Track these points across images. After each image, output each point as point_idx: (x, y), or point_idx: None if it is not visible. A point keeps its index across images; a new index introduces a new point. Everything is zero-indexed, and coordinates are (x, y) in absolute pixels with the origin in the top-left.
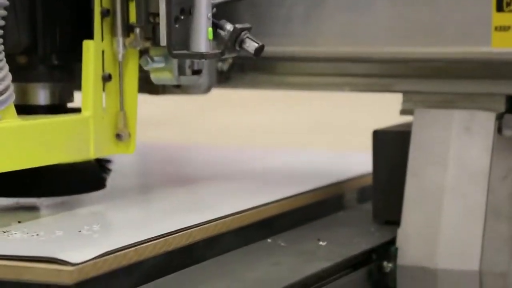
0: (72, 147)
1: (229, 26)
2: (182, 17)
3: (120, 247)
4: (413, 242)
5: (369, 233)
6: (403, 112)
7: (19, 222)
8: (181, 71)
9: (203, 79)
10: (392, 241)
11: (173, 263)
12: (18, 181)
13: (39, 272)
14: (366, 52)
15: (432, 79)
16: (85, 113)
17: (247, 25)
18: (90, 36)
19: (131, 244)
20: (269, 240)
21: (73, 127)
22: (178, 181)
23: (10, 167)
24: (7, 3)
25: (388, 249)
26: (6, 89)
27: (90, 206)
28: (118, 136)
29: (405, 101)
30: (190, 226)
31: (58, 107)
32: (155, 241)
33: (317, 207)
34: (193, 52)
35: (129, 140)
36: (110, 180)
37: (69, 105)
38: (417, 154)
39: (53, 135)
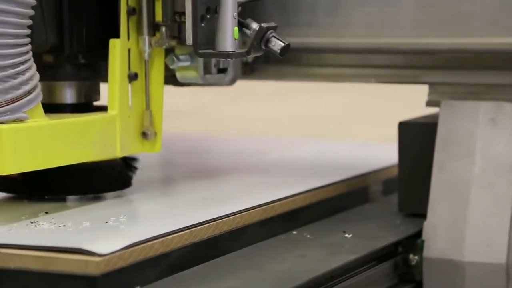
0: (99, 146)
1: (255, 25)
2: (208, 16)
3: (147, 238)
4: (440, 235)
5: (395, 225)
6: (429, 103)
7: (46, 213)
8: (206, 70)
9: (228, 70)
10: (418, 234)
11: (199, 254)
12: (45, 180)
13: (66, 263)
14: (392, 43)
15: (459, 70)
16: (111, 112)
17: (272, 23)
18: (116, 35)
19: (157, 235)
20: (294, 232)
21: (100, 126)
22: (203, 172)
23: (38, 166)
24: (35, 2)
25: (414, 242)
26: (34, 88)
27: (117, 197)
28: (144, 135)
29: (431, 92)
30: (215, 218)
31: (85, 105)
32: (181, 233)
33: (342, 199)
34: (219, 51)
35: (155, 138)
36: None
37: (95, 103)
38: (443, 146)
39: (80, 134)
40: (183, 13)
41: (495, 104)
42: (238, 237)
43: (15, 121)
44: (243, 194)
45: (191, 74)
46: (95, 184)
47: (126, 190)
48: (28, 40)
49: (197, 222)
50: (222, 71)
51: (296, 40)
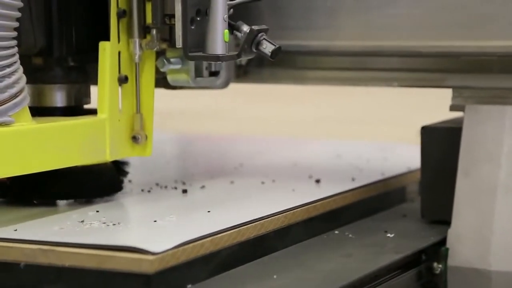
0: (88, 150)
1: (245, 28)
2: (198, 19)
3: (197, 237)
4: (465, 243)
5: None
6: (453, 108)
7: (97, 211)
8: (198, 73)
9: (221, 73)
10: (442, 242)
11: (246, 253)
12: (33, 184)
13: (121, 261)
14: (415, 46)
15: (484, 73)
16: (101, 115)
17: (263, 26)
18: (106, 38)
19: (207, 234)
20: (336, 232)
21: (89, 130)
22: (244, 173)
23: (24, 171)
24: (21, 4)
25: (438, 250)
26: (20, 92)
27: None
28: (135, 139)
29: (455, 96)
30: (261, 217)
31: (74, 108)
32: (229, 232)
33: (379, 200)
34: (209, 54)
35: (146, 142)
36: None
37: (86, 106)
38: (468, 152)
39: (68, 137)
40: (173, 16)
41: None
42: (283, 236)
43: (0, 125)
44: (286, 194)
45: (182, 77)
46: (84, 188)
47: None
48: (14, 42)
49: (244, 221)
50: (214, 74)
51: (290, 43)
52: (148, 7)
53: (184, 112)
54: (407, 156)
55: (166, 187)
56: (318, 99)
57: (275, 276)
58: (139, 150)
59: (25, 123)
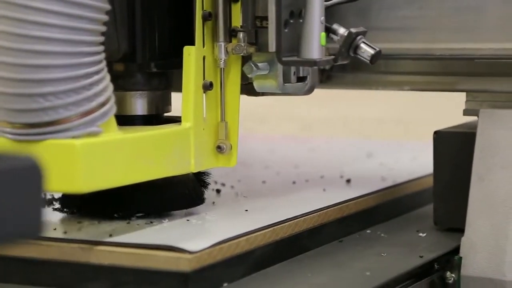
0: (173, 161)
1: (342, 31)
2: (291, 21)
3: (233, 236)
4: (479, 252)
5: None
6: (467, 112)
7: None
8: (286, 79)
9: (308, 78)
10: (456, 250)
11: (280, 252)
12: (114, 197)
13: (159, 260)
14: (428, 49)
15: (498, 77)
16: (185, 124)
17: (361, 28)
18: (189, 42)
19: (242, 233)
20: (368, 231)
21: (174, 140)
22: (271, 173)
23: (112, 184)
24: (109, 7)
25: (451, 259)
26: (108, 100)
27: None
28: (219, 148)
29: (469, 100)
30: (295, 217)
31: (155, 117)
32: (264, 231)
33: (410, 199)
34: (304, 59)
35: (231, 152)
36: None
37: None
38: (482, 157)
39: (155, 148)
40: (265, 18)
41: None
42: (316, 235)
43: (88, 135)
44: (318, 193)
45: (269, 83)
46: (166, 201)
47: None
48: (102, 48)
49: (278, 220)
50: (301, 79)
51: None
52: (235, 9)
53: None
54: None
55: None
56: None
57: (309, 275)
58: (224, 160)
59: (113, 133)
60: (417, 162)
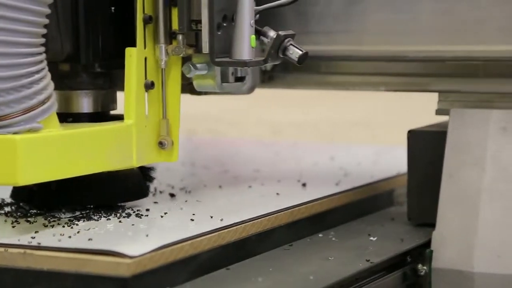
0: (115, 156)
1: (272, 33)
2: (224, 24)
3: (177, 241)
4: (449, 245)
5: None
6: (439, 112)
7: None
8: (224, 78)
9: (247, 79)
10: (427, 244)
11: (227, 256)
12: (59, 191)
13: (98, 265)
14: (403, 51)
15: (469, 78)
16: (127, 121)
17: (290, 31)
18: (132, 44)
19: (187, 237)
20: (320, 235)
21: (116, 136)
22: (229, 177)
23: (52, 177)
24: (49, 10)
25: (422, 252)
26: (48, 98)
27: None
28: (161, 144)
29: (441, 100)
30: (243, 221)
31: (101, 115)
32: (209, 235)
33: (366, 203)
34: (236, 60)
35: (172, 148)
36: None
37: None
38: (453, 155)
39: (95, 143)
40: (200, 21)
41: (506, 113)
42: (264, 239)
43: (29, 131)
44: (269, 198)
45: (208, 83)
46: (111, 194)
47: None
48: (42, 49)
49: (225, 225)
50: (240, 79)
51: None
52: (174, 12)
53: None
54: (400, 159)
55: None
56: (312, 102)
57: (252, 279)
58: (165, 155)
59: (53, 129)
60: (377, 166)
